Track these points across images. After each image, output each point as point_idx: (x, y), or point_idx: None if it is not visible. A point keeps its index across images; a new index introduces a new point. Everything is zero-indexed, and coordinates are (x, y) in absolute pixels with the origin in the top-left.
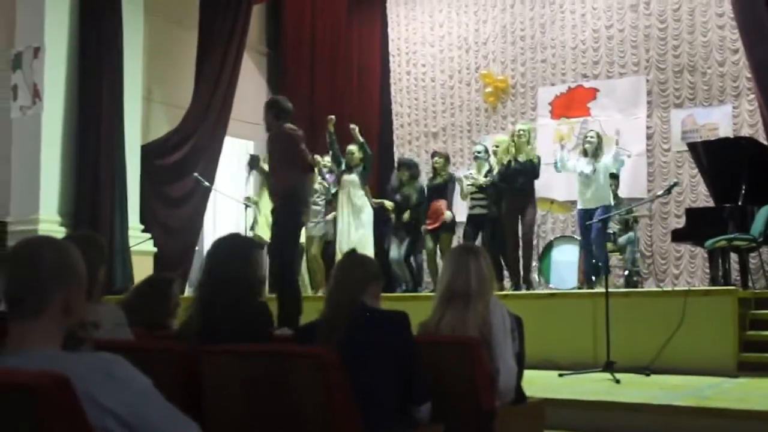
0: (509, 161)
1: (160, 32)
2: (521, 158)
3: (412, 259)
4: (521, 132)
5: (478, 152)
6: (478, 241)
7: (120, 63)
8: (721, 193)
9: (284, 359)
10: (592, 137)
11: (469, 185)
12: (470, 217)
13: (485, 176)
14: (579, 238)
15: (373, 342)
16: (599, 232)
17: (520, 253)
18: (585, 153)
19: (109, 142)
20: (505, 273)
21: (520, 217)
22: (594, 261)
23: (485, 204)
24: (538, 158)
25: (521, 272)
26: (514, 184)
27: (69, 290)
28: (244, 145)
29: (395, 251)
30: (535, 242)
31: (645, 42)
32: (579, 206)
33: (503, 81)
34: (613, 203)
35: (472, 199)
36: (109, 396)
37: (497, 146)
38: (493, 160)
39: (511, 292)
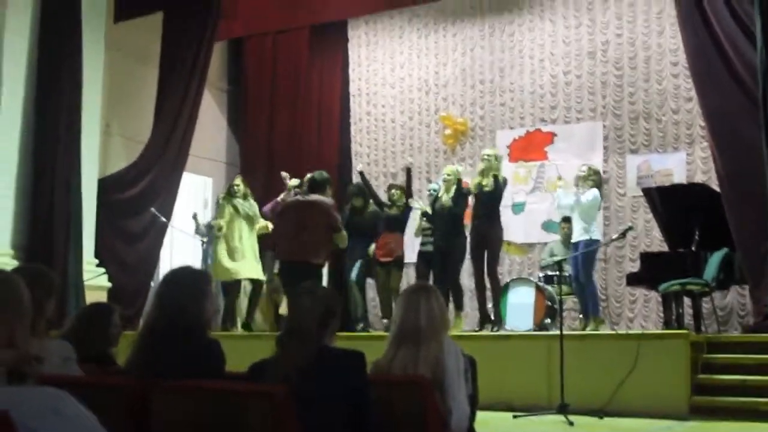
0: (478, 186)
1: (121, 67)
2: (486, 182)
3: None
4: (487, 156)
5: (434, 191)
6: (431, 279)
7: (79, 97)
8: (676, 238)
9: (236, 397)
10: (582, 170)
11: (424, 212)
12: (421, 254)
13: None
14: (534, 280)
15: (327, 382)
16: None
17: (488, 287)
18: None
19: (65, 176)
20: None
21: (485, 247)
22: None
23: (431, 233)
24: (504, 179)
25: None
26: (479, 211)
27: (12, 323)
28: (203, 181)
29: (353, 272)
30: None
31: (602, 89)
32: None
33: (462, 124)
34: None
35: (424, 235)
36: None
37: (449, 175)
38: (442, 188)
39: (466, 333)
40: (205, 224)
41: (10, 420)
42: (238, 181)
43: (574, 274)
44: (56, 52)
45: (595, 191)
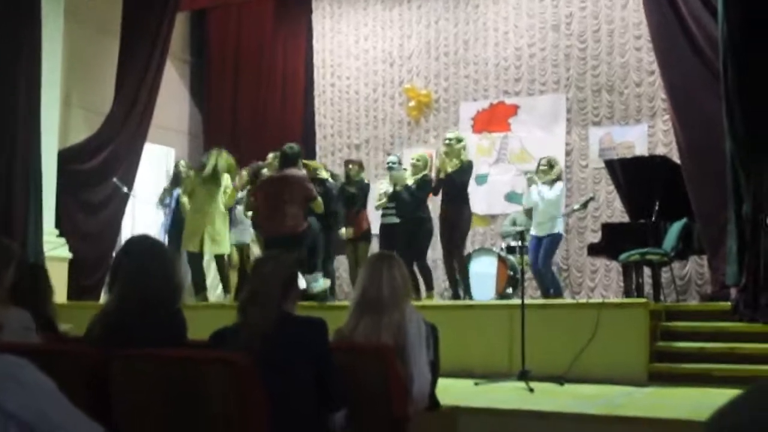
0: (443, 170)
1: (81, 38)
2: (451, 167)
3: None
4: (448, 141)
5: (392, 163)
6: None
7: (38, 69)
8: (636, 209)
9: (197, 365)
10: (543, 165)
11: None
12: (383, 226)
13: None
14: (497, 250)
15: (289, 348)
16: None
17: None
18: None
19: (24, 147)
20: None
21: (453, 230)
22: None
23: (395, 213)
24: (470, 163)
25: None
26: (446, 194)
27: None
28: (165, 151)
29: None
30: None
31: (565, 61)
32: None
33: (426, 95)
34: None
35: (385, 208)
36: (12, 400)
37: (418, 160)
38: (409, 173)
39: (428, 303)
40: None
41: None
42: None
43: (533, 261)
44: (14, 23)
45: (559, 186)
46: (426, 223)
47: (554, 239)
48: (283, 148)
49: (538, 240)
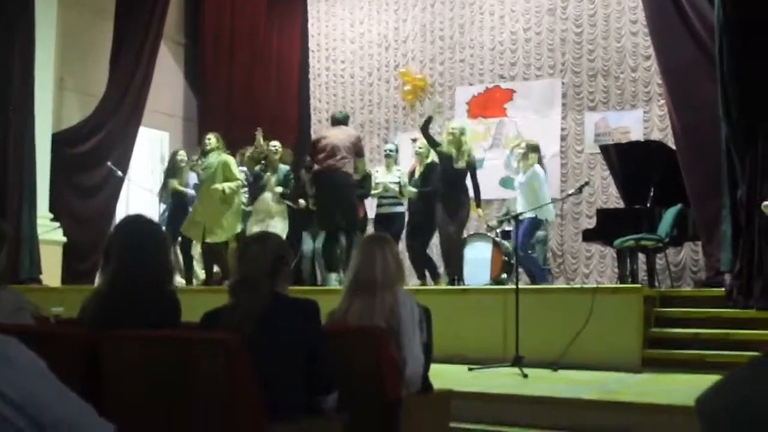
0: (448, 159)
1: (75, 21)
2: (461, 161)
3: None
4: (454, 129)
5: (390, 151)
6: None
7: (32, 52)
8: (632, 194)
9: (188, 345)
10: (522, 148)
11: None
12: (378, 216)
13: (402, 178)
14: (491, 235)
15: (281, 330)
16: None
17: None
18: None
19: (18, 130)
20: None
21: (454, 218)
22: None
23: (393, 202)
24: (473, 161)
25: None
26: (452, 188)
27: None
28: (159, 135)
29: (309, 244)
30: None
31: (561, 45)
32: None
33: (422, 79)
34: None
35: (381, 197)
36: (1, 377)
37: (420, 148)
38: (414, 161)
39: (422, 287)
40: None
41: None
42: (210, 136)
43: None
44: (8, 7)
45: (534, 169)
46: (432, 215)
47: (532, 223)
48: (334, 113)
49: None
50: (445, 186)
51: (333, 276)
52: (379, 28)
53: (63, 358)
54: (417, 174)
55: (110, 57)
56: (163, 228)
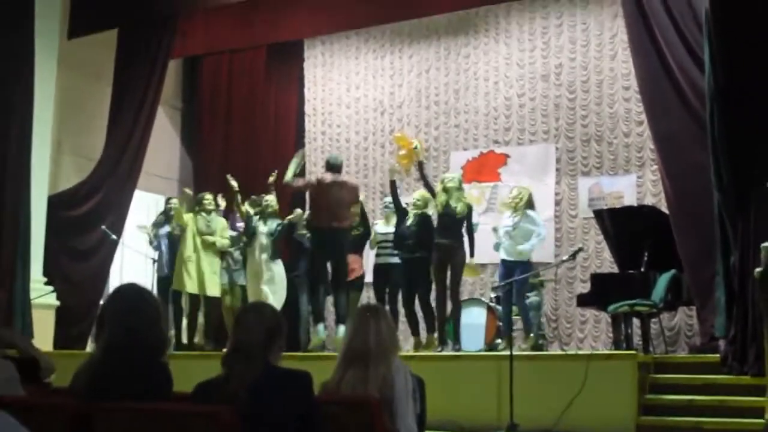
0: (444, 207)
1: (74, 84)
2: (456, 206)
3: None
4: (448, 179)
5: (389, 203)
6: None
7: (30, 114)
8: (625, 259)
9: (182, 418)
10: (513, 195)
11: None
12: (378, 267)
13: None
14: (486, 300)
15: (274, 402)
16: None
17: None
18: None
19: (13, 192)
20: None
21: (449, 266)
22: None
23: (392, 252)
24: (470, 206)
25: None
26: (445, 231)
27: None
28: (155, 199)
29: (305, 305)
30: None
31: (555, 111)
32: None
33: (411, 143)
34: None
35: (380, 248)
36: None
37: (419, 200)
38: (410, 210)
39: (415, 354)
40: (154, 232)
41: None
42: (209, 196)
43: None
44: (8, 69)
45: (527, 212)
46: (427, 263)
47: (525, 269)
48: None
49: (507, 267)
50: (442, 232)
51: (321, 327)
52: (375, 93)
53: (55, 430)
54: (410, 222)
55: (108, 120)
56: (156, 278)
